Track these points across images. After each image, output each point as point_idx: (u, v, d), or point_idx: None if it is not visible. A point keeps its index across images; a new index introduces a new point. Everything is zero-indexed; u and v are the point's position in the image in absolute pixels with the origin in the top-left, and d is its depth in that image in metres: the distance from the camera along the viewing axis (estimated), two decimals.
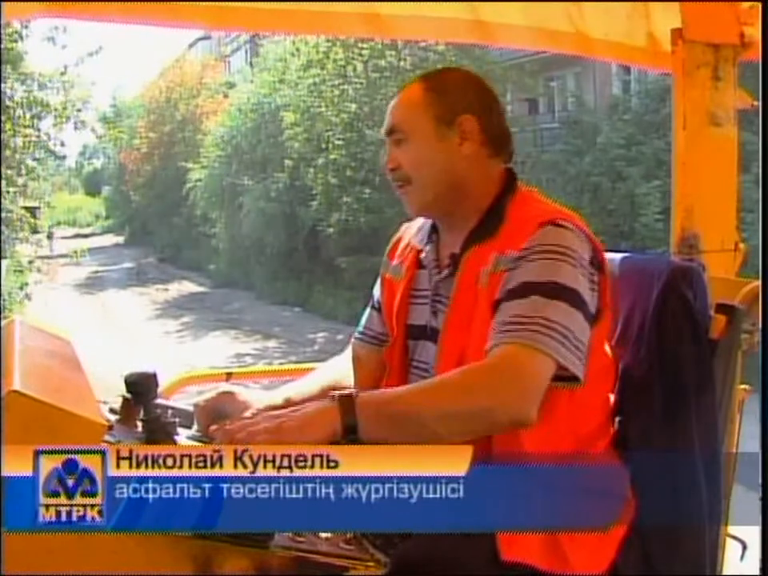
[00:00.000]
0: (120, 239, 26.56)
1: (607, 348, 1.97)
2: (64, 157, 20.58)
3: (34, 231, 15.32)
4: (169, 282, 30.88)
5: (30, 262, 15.50)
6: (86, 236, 40.85)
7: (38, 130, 14.61)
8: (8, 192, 14.68)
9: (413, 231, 2.17)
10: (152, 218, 38.00)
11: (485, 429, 1.76)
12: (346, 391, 1.78)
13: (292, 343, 19.87)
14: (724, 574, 2.14)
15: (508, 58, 22.21)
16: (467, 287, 1.93)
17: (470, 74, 2.10)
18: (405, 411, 1.72)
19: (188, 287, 30.32)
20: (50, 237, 17.57)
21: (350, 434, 1.69)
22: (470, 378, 1.77)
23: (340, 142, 22.64)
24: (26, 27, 13.86)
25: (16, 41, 14.04)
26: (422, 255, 2.08)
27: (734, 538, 2.16)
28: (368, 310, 2.25)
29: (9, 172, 14.52)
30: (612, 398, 2.00)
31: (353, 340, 2.26)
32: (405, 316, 2.08)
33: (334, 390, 2.05)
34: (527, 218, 1.91)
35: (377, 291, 2.22)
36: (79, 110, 14.74)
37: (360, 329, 2.24)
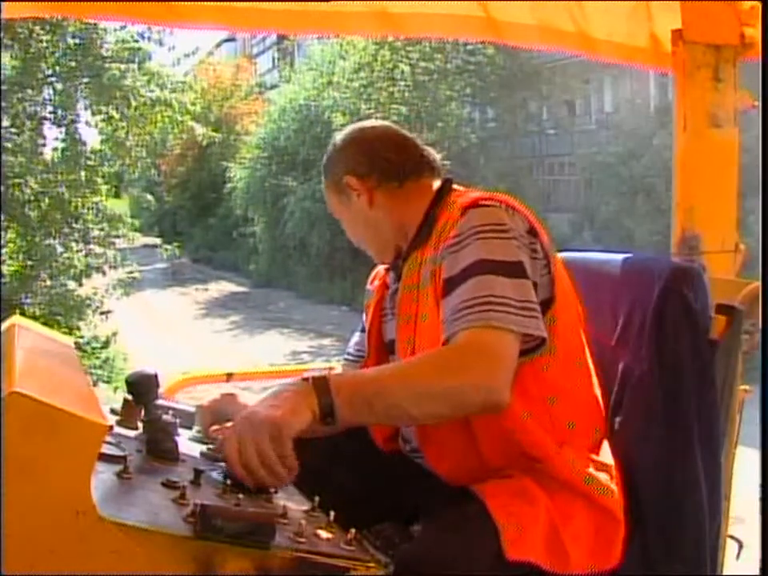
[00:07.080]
0: (148, 240, 26.40)
1: (582, 334, 2.00)
2: (161, 155, 20.61)
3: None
4: (207, 282, 30.91)
5: (123, 259, 15.57)
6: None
7: (141, 128, 14.61)
8: (110, 189, 14.90)
9: None
10: (185, 218, 37.96)
11: (457, 409, 1.75)
12: (317, 372, 1.75)
13: (346, 341, 19.85)
14: (723, 573, 2.13)
15: (550, 60, 22.15)
16: (408, 292, 2.00)
17: (353, 133, 2.18)
18: (378, 392, 1.70)
19: (227, 287, 30.35)
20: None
21: (327, 416, 1.67)
22: (439, 358, 1.77)
23: None
24: (149, 29, 13.97)
25: (137, 40, 14.12)
26: (388, 277, 2.19)
27: (731, 537, 2.16)
28: (356, 333, 2.35)
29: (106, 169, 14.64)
30: (594, 373, 2.01)
31: (342, 362, 2.36)
32: (377, 333, 2.19)
33: None
34: (453, 210, 1.94)
35: (363, 317, 2.31)
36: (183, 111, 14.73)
37: (348, 350, 2.35)
